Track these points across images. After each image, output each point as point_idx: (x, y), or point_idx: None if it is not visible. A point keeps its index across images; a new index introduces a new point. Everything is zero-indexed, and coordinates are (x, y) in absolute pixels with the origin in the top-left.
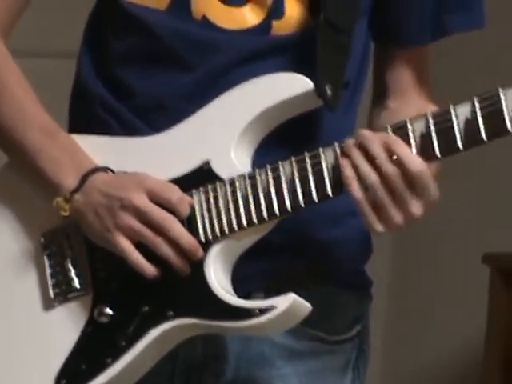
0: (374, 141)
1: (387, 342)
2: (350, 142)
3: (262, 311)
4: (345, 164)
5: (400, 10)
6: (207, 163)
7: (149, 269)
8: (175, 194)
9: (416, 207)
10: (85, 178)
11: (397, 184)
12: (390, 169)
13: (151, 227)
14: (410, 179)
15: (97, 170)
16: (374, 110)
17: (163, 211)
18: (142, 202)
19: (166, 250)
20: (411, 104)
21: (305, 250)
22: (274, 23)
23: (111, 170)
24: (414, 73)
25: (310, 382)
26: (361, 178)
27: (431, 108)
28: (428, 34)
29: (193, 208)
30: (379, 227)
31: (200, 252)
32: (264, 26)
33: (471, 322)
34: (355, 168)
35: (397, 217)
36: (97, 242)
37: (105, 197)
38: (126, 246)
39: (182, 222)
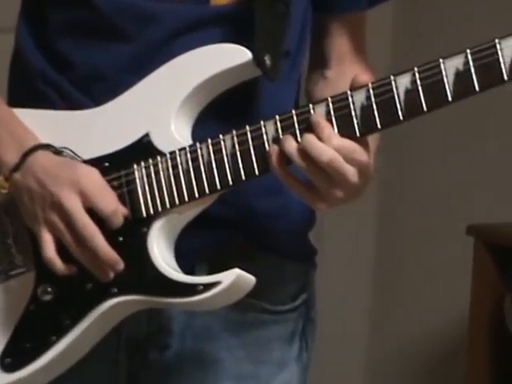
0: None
1: (373, 316)
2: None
3: (207, 287)
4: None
5: None
6: (147, 136)
7: (58, 267)
8: (109, 205)
9: (353, 175)
10: (25, 157)
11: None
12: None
13: (73, 231)
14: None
15: (38, 147)
16: (310, 79)
17: (88, 221)
18: (72, 204)
19: (82, 257)
20: (348, 72)
21: (246, 221)
22: None
23: (54, 148)
24: (351, 41)
25: (256, 351)
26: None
27: (368, 77)
28: (362, 1)
29: (134, 183)
30: (321, 205)
31: (120, 265)
32: None
33: (456, 294)
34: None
35: (338, 193)
36: (27, 222)
37: (40, 186)
38: (46, 238)
39: (122, 196)
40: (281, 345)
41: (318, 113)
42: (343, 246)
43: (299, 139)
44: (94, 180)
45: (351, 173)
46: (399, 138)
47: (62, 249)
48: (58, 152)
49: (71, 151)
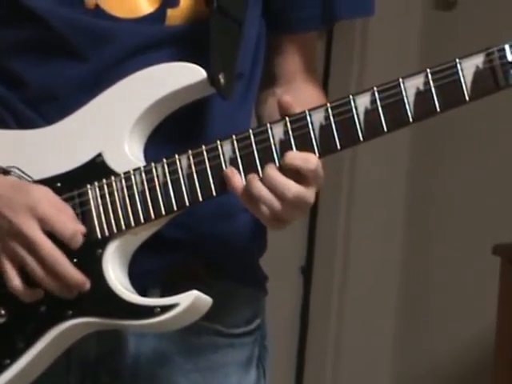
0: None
1: (398, 338)
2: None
3: (164, 309)
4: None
5: None
6: (100, 155)
7: (26, 296)
8: (68, 228)
9: (310, 196)
10: None
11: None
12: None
13: (37, 258)
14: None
15: None
16: (261, 96)
17: (51, 247)
18: (32, 231)
19: (48, 283)
20: (298, 90)
21: (199, 245)
22: (169, 12)
23: (2, 168)
24: (302, 60)
25: (213, 376)
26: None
27: (319, 94)
28: (317, 21)
29: (88, 203)
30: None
31: (87, 285)
32: (159, 15)
33: (482, 314)
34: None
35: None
36: None
37: None
38: (9, 269)
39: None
40: (238, 370)
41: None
42: (369, 268)
43: (256, 157)
44: (49, 202)
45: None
46: (425, 160)
47: (23, 274)
48: (6, 172)
49: (20, 170)
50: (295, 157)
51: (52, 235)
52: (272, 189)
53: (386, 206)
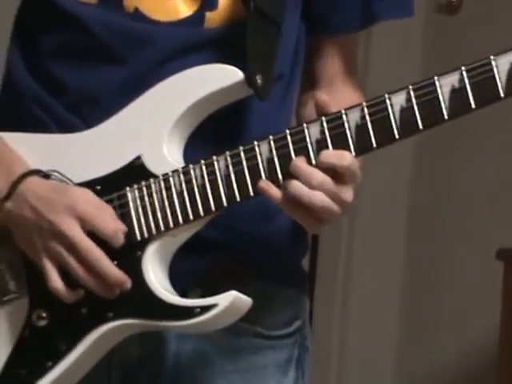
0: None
1: (402, 341)
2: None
3: (203, 309)
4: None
5: None
6: (139, 158)
7: (67, 296)
8: (109, 226)
9: (349, 195)
10: (15, 185)
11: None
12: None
13: (77, 257)
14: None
15: (27, 174)
16: (301, 99)
17: (91, 245)
18: (72, 230)
19: (89, 282)
20: (338, 93)
21: (238, 245)
22: (208, 14)
23: (43, 172)
24: (342, 62)
25: (252, 378)
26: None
27: (359, 97)
28: (356, 22)
29: (127, 206)
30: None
31: (128, 284)
32: (197, 18)
33: (486, 317)
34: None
35: (335, 208)
36: (25, 252)
37: (35, 214)
38: (49, 269)
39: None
40: (276, 372)
41: (300, 159)
42: (372, 271)
43: (293, 157)
44: (89, 202)
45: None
46: (430, 164)
47: (63, 274)
48: (46, 176)
49: (60, 174)
50: (330, 154)
51: (92, 236)
52: (305, 181)
53: (390, 211)
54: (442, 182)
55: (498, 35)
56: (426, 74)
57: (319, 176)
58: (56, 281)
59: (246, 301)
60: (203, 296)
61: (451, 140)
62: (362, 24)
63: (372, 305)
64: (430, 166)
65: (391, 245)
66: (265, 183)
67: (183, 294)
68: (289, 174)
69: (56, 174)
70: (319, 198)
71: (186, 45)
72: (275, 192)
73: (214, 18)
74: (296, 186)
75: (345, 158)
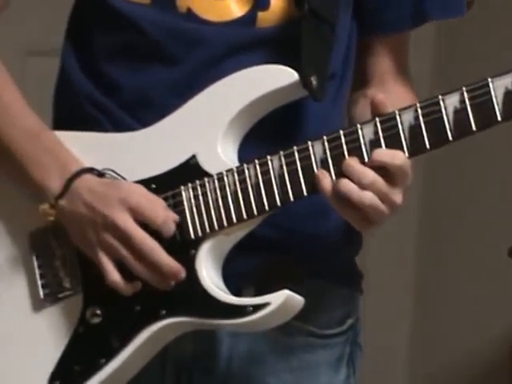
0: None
1: (414, 339)
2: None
3: (256, 308)
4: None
5: None
6: (194, 157)
7: (125, 289)
8: (160, 215)
9: (398, 197)
10: (69, 183)
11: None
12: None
13: (131, 249)
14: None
15: (81, 172)
16: (352, 97)
17: (145, 236)
18: (125, 222)
19: (144, 273)
20: (390, 92)
21: (292, 244)
22: (260, 14)
23: (97, 171)
24: (393, 61)
25: (304, 376)
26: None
27: (411, 97)
28: (408, 21)
29: (182, 205)
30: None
31: (183, 273)
32: (249, 18)
33: (498, 317)
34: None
35: (383, 209)
36: (80, 248)
37: (89, 209)
38: (105, 263)
39: None
40: (328, 369)
41: (352, 158)
42: (385, 270)
43: (346, 157)
44: (140, 194)
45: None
46: (441, 162)
47: (119, 268)
48: (100, 174)
49: (114, 172)
50: (383, 153)
51: (146, 229)
52: (357, 180)
53: (402, 211)
54: (453, 181)
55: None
56: (437, 75)
57: (371, 175)
58: (113, 274)
59: (298, 300)
60: (257, 295)
61: (465, 138)
62: (413, 23)
63: (385, 305)
64: (441, 166)
65: (403, 246)
66: (320, 172)
67: (237, 293)
68: (342, 174)
69: (110, 172)
70: (368, 197)
71: (239, 44)
72: (327, 182)
73: (266, 18)
74: (347, 184)
75: (398, 157)
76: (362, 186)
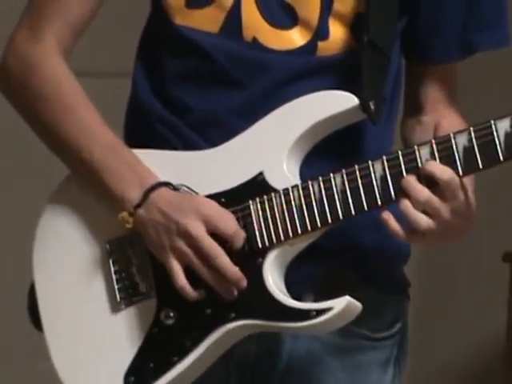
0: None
1: (415, 339)
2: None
3: (319, 312)
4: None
5: (429, 30)
6: (261, 174)
7: (190, 294)
8: (231, 227)
9: (447, 213)
10: (147, 194)
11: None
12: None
13: (200, 255)
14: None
15: (158, 185)
16: (407, 124)
17: (213, 243)
18: (196, 230)
19: (210, 278)
20: (445, 118)
21: (349, 254)
22: (320, 44)
23: (172, 185)
24: (444, 89)
25: (356, 374)
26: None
27: (461, 123)
28: (456, 52)
29: (250, 217)
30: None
31: (244, 282)
32: (310, 47)
33: (493, 319)
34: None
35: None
36: (154, 254)
37: (164, 217)
38: (175, 268)
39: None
40: (377, 369)
41: (411, 176)
42: None
43: (404, 175)
44: (213, 206)
45: (461, 195)
46: None
47: (188, 275)
48: (175, 189)
49: (188, 188)
50: (434, 165)
51: (217, 239)
52: (414, 196)
53: None
54: None
55: None
56: None
57: (426, 193)
58: (181, 279)
59: (357, 306)
60: (315, 300)
61: None
62: (461, 54)
63: None
64: None
65: None
66: (386, 215)
67: (297, 299)
68: (399, 191)
69: (184, 187)
70: (425, 220)
71: (300, 71)
72: (395, 227)
73: (325, 47)
74: (406, 205)
75: (446, 173)
76: (419, 203)
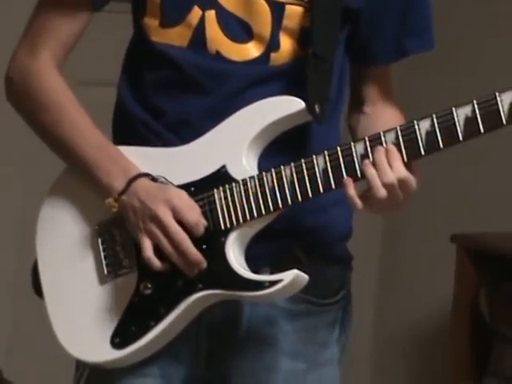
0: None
1: (377, 307)
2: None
3: (272, 283)
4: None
5: (368, 38)
6: (224, 167)
7: (155, 264)
8: (194, 218)
9: (399, 198)
10: (130, 183)
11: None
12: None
13: (167, 237)
14: (400, 183)
15: (139, 176)
16: (352, 115)
17: (178, 229)
18: (165, 216)
19: (175, 258)
20: (382, 110)
21: (298, 233)
22: (272, 55)
23: (151, 176)
24: (382, 85)
25: (306, 335)
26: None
27: (399, 115)
28: (392, 56)
29: (214, 203)
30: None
31: (204, 264)
32: (264, 58)
33: (441, 291)
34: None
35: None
36: (132, 233)
37: (141, 204)
38: (145, 243)
39: (205, 213)
40: (325, 329)
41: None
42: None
43: (344, 174)
44: (182, 198)
45: (413, 184)
46: None
47: (157, 252)
48: (154, 179)
49: (165, 179)
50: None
51: (184, 227)
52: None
53: None
54: None
55: None
56: None
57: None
58: (148, 251)
59: (304, 277)
60: (271, 274)
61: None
62: (396, 57)
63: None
64: None
65: (369, 234)
66: (348, 180)
67: (256, 272)
68: (341, 183)
69: (162, 178)
70: (382, 190)
71: (256, 79)
72: (352, 190)
73: (277, 58)
74: (372, 174)
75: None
76: (384, 175)
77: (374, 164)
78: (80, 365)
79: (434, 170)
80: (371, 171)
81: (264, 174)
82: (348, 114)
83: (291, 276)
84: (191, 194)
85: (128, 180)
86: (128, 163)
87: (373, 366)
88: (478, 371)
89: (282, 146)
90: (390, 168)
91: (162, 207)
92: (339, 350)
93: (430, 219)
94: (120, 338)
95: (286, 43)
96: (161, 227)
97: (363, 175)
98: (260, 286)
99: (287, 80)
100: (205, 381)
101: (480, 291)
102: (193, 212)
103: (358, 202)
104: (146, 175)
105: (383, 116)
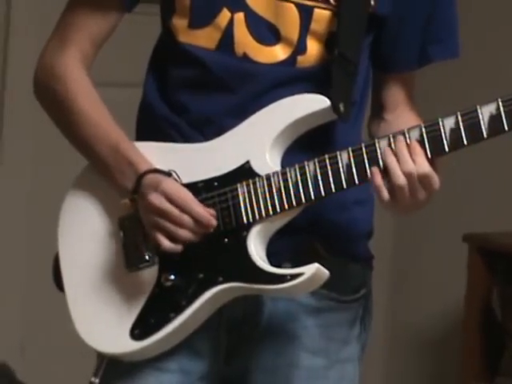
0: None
1: (390, 307)
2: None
3: (293, 276)
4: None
5: (392, 44)
6: (247, 163)
7: (176, 249)
8: (184, 196)
9: (422, 195)
10: (139, 181)
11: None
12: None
13: (171, 221)
14: (421, 178)
15: (146, 172)
16: (373, 121)
17: (170, 206)
18: (160, 203)
19: (186, 235)
20: (402, 116)
21: (321, 230)
22: (299, 58)
23: (161, 171)
24: (404, 92)
25: (327, 331)
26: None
27: (417, 119)
28: (415, 63)
29: (238, 197)
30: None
31: (213, 222)
32: (291, 60)
33: (453, 290)
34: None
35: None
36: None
37: (142, 199)
38: (158, 237)
39: (228, 208)
40: (345, 326)
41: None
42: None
43: (367, 169)
44: (170, 183)
45: (436, 182)
46: None
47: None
48: (167, 174)
49: (175, 173)
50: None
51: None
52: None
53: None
54: None
55: None
56: None
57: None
58: (164, 243)
59: (325, 272)
60: (293, 268)
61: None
62: (419, 64)
63: None
64: None
65: (382, 232)
66: (375, 169)
67: (278, 266)
68: (366, 177)
69: (173, 172)
70: (402, 177)
71: (282, 80)
72: (379, 180)
73: (303, 60)
74: (392, 161)
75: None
76: (405, 164)
77: (394, 153)
78: (99, 357)
79: (445, 169)
80: (391, 158)
81: (287, 169)
82: (369, 121)
83: (313, 269)
84: (214, 189)
85: (137, 178)
86: (140, 160)
87: (385, 366)
88: (490, 371)
89: (306, 146)
90: (411, 159)
91: (153, 195)
92: (360, 347)
93: (442, 219)
94: (140, 330)
95: (313, 47)
96: (160, 214)
97: (384, 165)
98: (281, 279)
99: (312, 82)
100: (224, 377)
101: (492, 291)
102: (182, 192)
103: (385, 191)
104: (155, 171)
105: (403, 123)
